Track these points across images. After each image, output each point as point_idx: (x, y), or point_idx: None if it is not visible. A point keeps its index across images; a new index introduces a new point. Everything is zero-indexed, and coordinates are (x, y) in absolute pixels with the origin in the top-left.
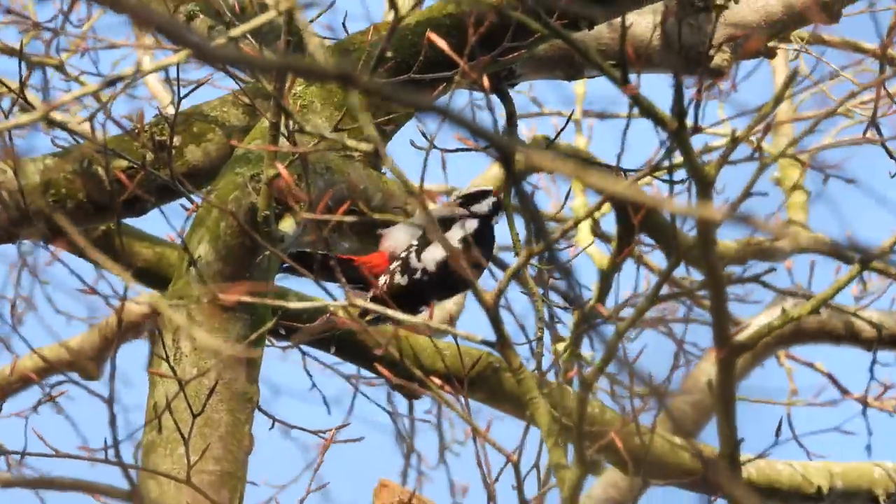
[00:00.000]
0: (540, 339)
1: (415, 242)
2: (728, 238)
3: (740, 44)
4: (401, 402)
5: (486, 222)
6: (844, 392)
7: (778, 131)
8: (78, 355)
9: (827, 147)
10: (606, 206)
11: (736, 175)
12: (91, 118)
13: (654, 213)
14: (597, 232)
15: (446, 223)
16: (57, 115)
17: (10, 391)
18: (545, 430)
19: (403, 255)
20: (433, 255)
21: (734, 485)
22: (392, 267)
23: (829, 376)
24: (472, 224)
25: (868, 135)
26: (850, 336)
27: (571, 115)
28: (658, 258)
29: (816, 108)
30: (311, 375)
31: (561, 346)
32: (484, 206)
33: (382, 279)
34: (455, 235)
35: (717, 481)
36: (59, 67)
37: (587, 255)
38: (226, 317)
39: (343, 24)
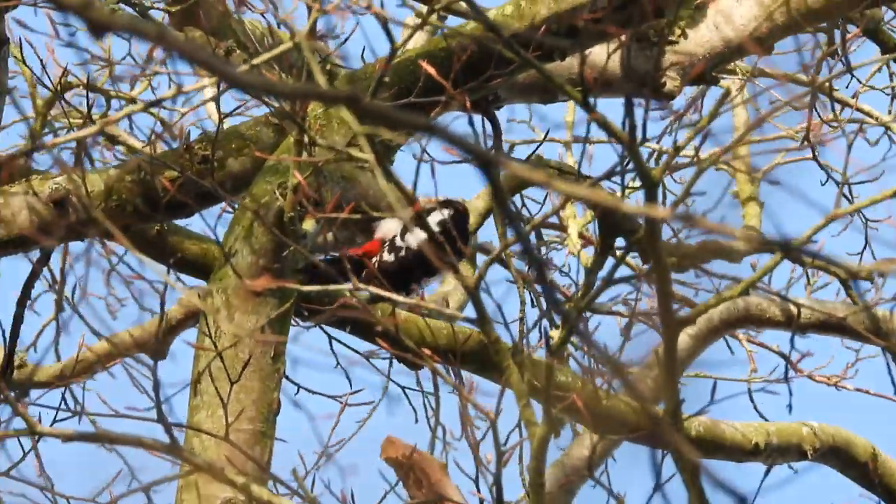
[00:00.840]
0: (521, 319)
1: (400, 228)
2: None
3: (688, 71)
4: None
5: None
6: (796, 369)
7: (735, 151)
8: (147, 339)
9: (775, 165)
10: (590, 214)
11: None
12: (155, 139)
13: (628, 218)
14: (584, 236)
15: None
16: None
17: (93, 369)
18: (517, 393)
19: (390, 237)
20: (415, 236)
21: (676, 437)
22: (383, 248)
23: (783, 355)
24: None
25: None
26: (787, 321)
27: (545, 136)
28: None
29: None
30: (335, 354)
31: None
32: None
33: (375, 259)
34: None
35: (662, 435)
36: (115, 95)
37: (574, 255)
38: (258, 300)
39: (362, 56)
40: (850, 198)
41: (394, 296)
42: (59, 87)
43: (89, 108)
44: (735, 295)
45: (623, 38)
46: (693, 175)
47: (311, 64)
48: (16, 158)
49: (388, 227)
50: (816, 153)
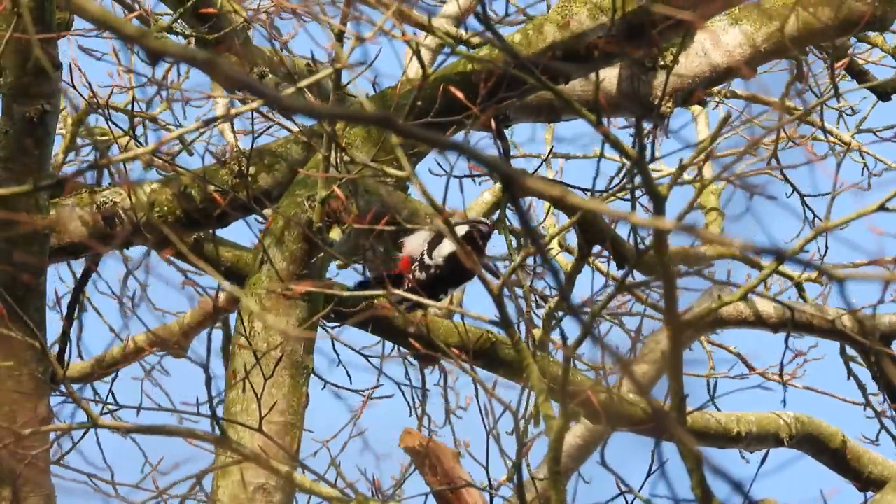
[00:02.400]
0: (531, 320)
1: (426, 246)
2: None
3: (681, 95)
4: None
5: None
6: (751, 368)
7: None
8: (171, 337)
9: (752, 174)
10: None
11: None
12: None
13: (608, 229)
14: (562, 244)
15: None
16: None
17: (125, 362)
18: (537, 388)
19: (419, 257)
20: (440, 252)
21: (681, 430)
22: (413, 267)
23: (739, 355)
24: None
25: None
26: (758, 321)
27: (550, 152)
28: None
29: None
30: (367, 357)
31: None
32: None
33: (409, 276)
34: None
35: (668, 427)
36: (153, 119)
37: (556, 261)
38: (288, 304)
39: (373, 84)
40: (812, 210)
41: (428, 301)
42: (107, 108)
43: (133, 128)
44: (736, 299)
45: (623, 62)
46: (697, 190)
47: (359, 93)
48: (80, 174)
49: (414, 244)
50: (782, 169)
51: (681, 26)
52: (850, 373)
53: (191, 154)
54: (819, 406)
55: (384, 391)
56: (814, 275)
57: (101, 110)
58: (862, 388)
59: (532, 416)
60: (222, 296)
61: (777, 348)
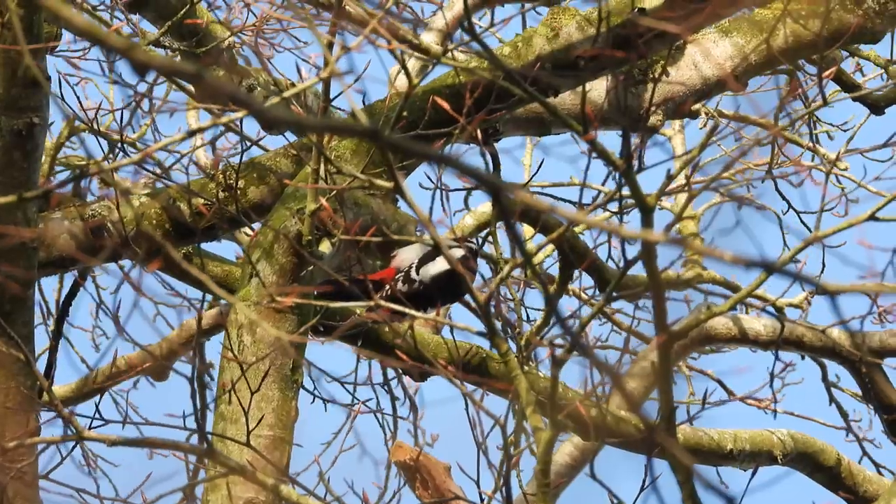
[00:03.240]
0: (520, 333)
1: (416, 261)
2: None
3: (671, 107)
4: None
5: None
6: (730, 394)
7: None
8: (154, 359)
9: (737, 184)
10: (550, 248)
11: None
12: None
13: (581, 246)
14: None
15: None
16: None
17: (110, 383)
18: (525, 400)
19: (405, 269)
20: (429, 271)
21: (671, 441)
22: (397, 277)
23: (719, 381)
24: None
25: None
26: (744, 338)
27: (540, 166)
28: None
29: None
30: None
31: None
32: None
33: (388, 287)
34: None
35: (658, 439)
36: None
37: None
38: (278, 317)
39: (362, 99)
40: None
41: (416, 312)
42: (96, 125)
43: (122, 144)
44: (724, 310)
45: (612, 76)
46: (685, 201)
47: (348, 105)
48: (64, 184)
49: (405, 257)
50: (776, 180)
51: (668, 38)
52: (832, 398)
53: (164, 175)
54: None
55: (373, 405)
56: (796, 299)
57: (88, 129)
58: (843, 414)
59: (516, 427)
60: (209, 313)
61: (761, 368)
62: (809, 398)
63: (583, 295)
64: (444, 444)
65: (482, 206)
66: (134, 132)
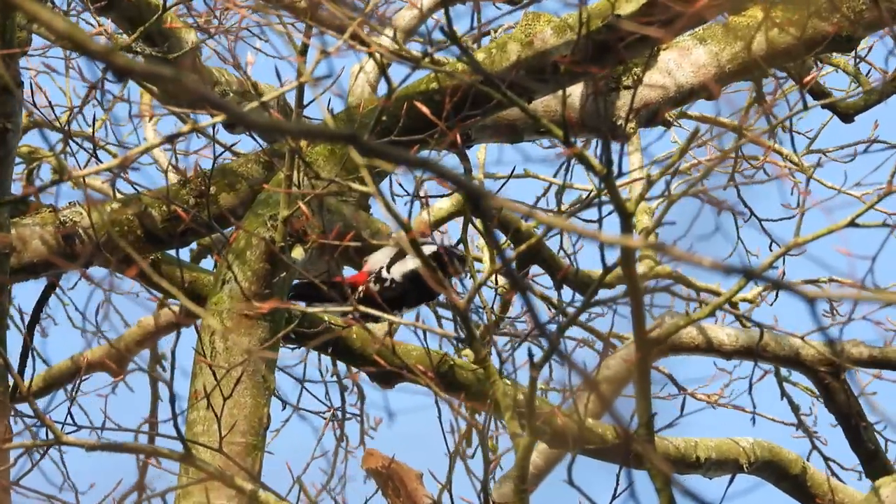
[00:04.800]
0: (490, 340)
1: (387, 261)
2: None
3: (645, 115)
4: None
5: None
6: (681, 388)
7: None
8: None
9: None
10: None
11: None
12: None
13: (543, 247)
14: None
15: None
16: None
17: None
18: (502, 405)
19: (377, 270)
20: (399, 269)
21: (649, 449)
22: (369, 279)
23: (669, 376)
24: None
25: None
26: (710, 348)
27: (512, 172)
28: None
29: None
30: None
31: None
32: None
33: (361, 288)
34: (415, 261)
35: (636, 447)
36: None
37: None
38: (250, 323)
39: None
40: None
41: (391, 316)
42: (67, 128)
43: (95, 148)
44: (703, 316)
45: (587, 82)
46: (665, 207)
47: (324, 110)
48: (43, 190)
49: (376, 260)
50: (738, 188)
51: (646, 43)
52: (784, 393)
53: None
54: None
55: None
56: (750, 294)
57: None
58: (794, 407)
59: (463, 434)
60: (164, 312)
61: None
62: (759, 393)
63: (550, 298)
64: (415, 452)
65: (439, 202)
66: (89, 126)
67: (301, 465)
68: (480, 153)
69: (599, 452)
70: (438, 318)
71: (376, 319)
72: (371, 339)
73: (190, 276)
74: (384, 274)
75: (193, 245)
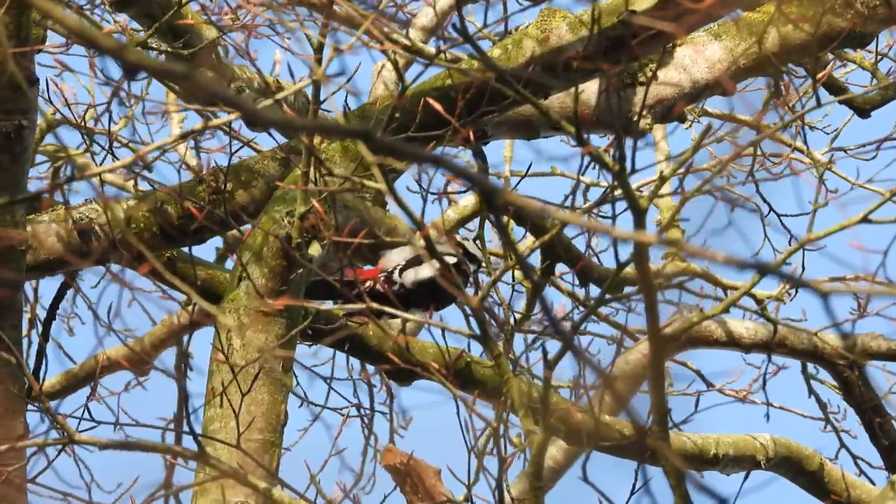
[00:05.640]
0: (510, 339)
1: (401, 264)
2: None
3: (660, 111)
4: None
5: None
6: (709, 384)
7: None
8: (137, 354)
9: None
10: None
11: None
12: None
13: (572, 247)
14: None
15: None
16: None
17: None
18: (517, 403)
19: (389, 270)
20: (412, 276)
21: (663, 446)
22: (378, 276)
23: (697, 372)
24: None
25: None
26: (730, 342)
27: (528, 169)
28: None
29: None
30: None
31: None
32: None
33: (368, 283)
34: (430, 270)
35: (651, 444)
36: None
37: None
38: (267, 320)
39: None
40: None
41: (406, 314)
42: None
43: (111, 143)
44: (717, 313)
45: (602, 78)
46: (679, 203)
47: (338, 108)
48: (58, 188)
49: (392, 259)
50: (757, 185)
51: (661, 39)
52: (811, 390)
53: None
54: (775, 423)
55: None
56: (776, 291)
57: (74, 125)
58: (822, 405)
59: (492, 433)
60: (185, 312)
61: (735, 358)
62: (786, 389)
63: (576, 295)
64: (433, 448)
65: (464, 200)
66: (114, 125)
67: (320, 461)
68: (507, 150)
69: (616, 449)
70: (466, 315)
71: (390, 316)
72: (386, 336)
73: (205, 274)
74: (395, 277)
75: (219, 244)
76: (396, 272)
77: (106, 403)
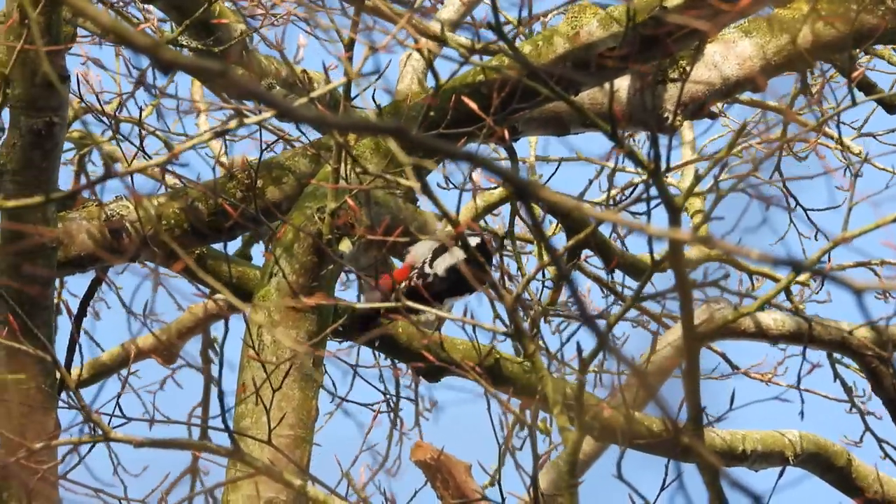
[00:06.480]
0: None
1: (428, 256)
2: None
3: (691, 108)
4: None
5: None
6: (735, 368)
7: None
8: (162, 343)
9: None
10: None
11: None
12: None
13: (597, 232)
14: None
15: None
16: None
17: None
18: (551, 400)
19: (420, 264)
20: (443, 263)
21: (698, 443)
22: (412, 274)
23: (723, 356)
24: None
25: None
26: (758, 333)
27: (558, 166)
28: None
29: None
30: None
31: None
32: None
33: (404, 283)
34: (458, 255)
35: (685, 441)
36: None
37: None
38: (297, 316)
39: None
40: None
41: (439, 311)
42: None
43: (141, 133)
44: (752, 310)
45: (637, 75)
46: (713, 202)
47: (370, 105)
48: (92, 185)
49: (418, 253)
50: (784, 181)
51: (692, 36)
52: (837, 375)
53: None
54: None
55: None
56: (802, 277)
57: (108, 122)
58: (848, 389)
59: (516, 425)
60: (209, 304)
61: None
62: (812, 374)
63: (602, 279)
64: (463, 444)
65: (489, 190)
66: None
67: (350, 457)
68: (531, 139)
69: (646, 445)
70: (495, 309)
71: (420, 313)
72: (418, 334)
73: (236, 271)
74: (427, 269)
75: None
76: (426, 265)
77: (137, 394)
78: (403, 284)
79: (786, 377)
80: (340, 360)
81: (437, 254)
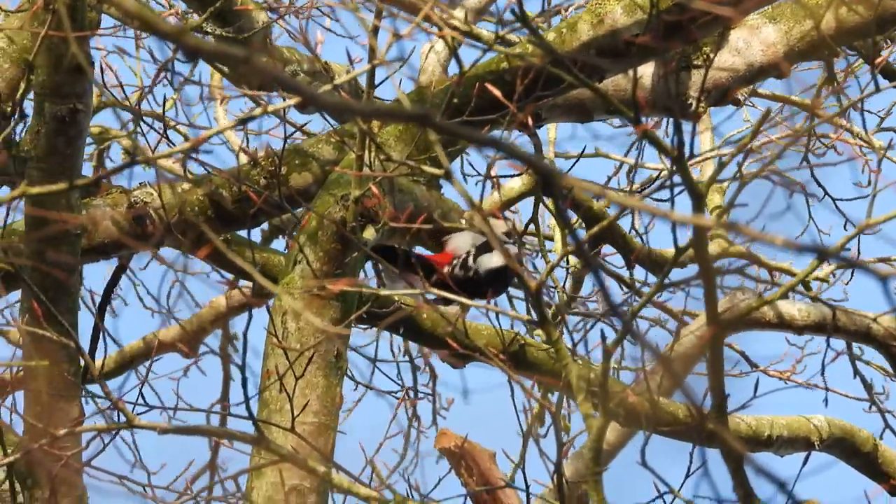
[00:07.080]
0: (562, 321)
1: (473, 249)
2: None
3: (715, 94)
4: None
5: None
6: (753, 365)
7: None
8: (185, 336)
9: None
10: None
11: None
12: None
13: (616, 227)
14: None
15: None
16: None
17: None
18: (575, 387)
19: (463, 255)
20: (486, 263)
21: (723, 430)
22: (454, 262)
23: (742, 353)
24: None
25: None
26: (782, 323)
27: (582, 152)
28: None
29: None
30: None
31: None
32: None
33: (446, 269)
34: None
35: (709, 427)
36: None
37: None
38: (321, 303)
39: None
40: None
41: (465, 299)
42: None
43: (165, 126)
44: (776, 298)
45: (661, 62)
46: (737, 189)
47: (397, 91)
48: (117, 172)
49: (460, 244)
50: (812, 168)
51: (717, 22)
52: (857, 371)
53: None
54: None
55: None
56: (822, 273)
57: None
58: (867, 386)
59: (535, 415)
60: (234, 293)
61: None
62: (830, 370)
63: (622, 276)
64: (487, 431)
65: (510, 182)
66: (159, 106)
67: (374, 444)
68: (551, 131)
69: (671, 431)
70: (510, 297)
71: (449, 302)
72: (443, 320)
73: (260, 258)
74: (470, 262)
75: (265, 226)
76: (471, 258)
77: (151, 387)
78: (447, 270)
79: (804, 375)
80: (361, 354)
81: (480, 250)
